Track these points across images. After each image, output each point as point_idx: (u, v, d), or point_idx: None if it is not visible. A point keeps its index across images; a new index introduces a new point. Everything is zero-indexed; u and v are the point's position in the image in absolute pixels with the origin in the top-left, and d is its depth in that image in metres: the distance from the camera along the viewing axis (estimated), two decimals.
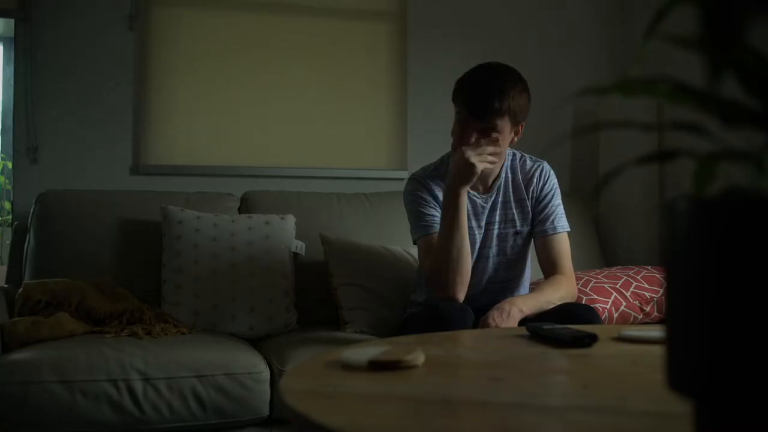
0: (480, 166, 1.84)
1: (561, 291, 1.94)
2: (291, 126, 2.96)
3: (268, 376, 1.95)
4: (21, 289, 2.15)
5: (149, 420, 1.79)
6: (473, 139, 1.86)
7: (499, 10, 3.20)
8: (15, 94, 2.70)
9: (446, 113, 3.09)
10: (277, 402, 1.91)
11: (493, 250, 2.00)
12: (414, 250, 2.35)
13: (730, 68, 0.51)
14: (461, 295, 1.87)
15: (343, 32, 3.04)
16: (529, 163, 2.06)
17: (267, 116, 2.94)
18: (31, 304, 2.09)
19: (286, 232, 2.50)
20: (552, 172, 2.07)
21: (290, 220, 2.54)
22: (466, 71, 1.96)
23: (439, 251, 1.87)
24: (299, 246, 2.52)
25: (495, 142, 1.88)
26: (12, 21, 2.71)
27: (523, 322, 1.44)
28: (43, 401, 1.75)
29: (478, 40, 3.17)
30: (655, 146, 2.86)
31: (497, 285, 2.04)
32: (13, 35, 2.72)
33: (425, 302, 2.07)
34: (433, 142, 2.99)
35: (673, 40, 0.54)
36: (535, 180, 2.03)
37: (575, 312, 1.82)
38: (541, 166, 2.05)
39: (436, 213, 1.97)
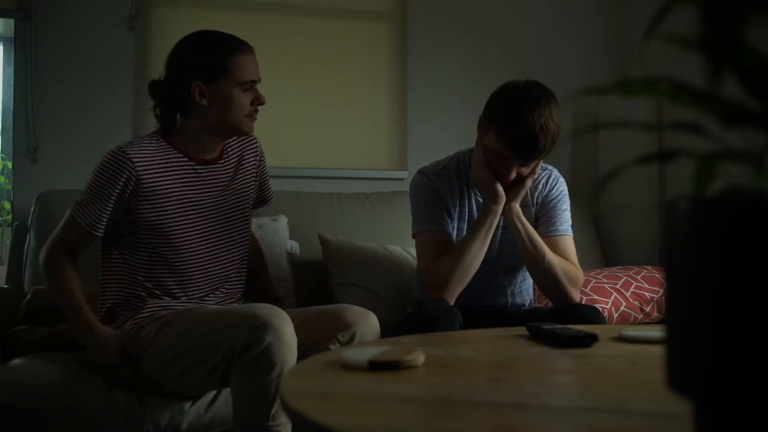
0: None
1: (563, 262, 1.93)
2: (290, 126, 2.96)
3: None
4: (28, 297, 2.15)
5: (149, 428, 1.76)
6: (513, 175, 1.87)
7: (499, 10, 3.21)
8: (15, 94, 2.70)
9: (446, 113, 3.11)
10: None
11: (495, 254, 2.00)
12: (413, 250, 2.35)
13: (730, 68, 0.51)
14: (452, 300, 1.87)
15: (343, 32, 3.04)
16: (538, 171, 2.05)
17: (267, 116, 2.90)
18: (35, 314, 2.09)
19: (279, 234, 2.48)
20: (561, 179, 2.06)
21: (282, 221, 2.53)
22: (499, 96, 1.86)
23: (454, 256, 1.87)
24: (293, 246, 2.52)
25: (533, 174, 1.91)
26: (12, 21, 2.71)
27: (523, 323, 1.44)
28: (40, 408, 1.73)
29: (478, 40, 3.17)
30: (655, 146, 2.87)
31: (497, 288, 2.04)
32: (13, 35, 2.72)
33: (420, 302, 2.06)
34: (433, 142, 2.99)
35: (673, 40, 0.54)
36: (540, 186, 2.02)
37: (577, 312, 1.82)
38: (549, 174, 2.04)
39: (440, 212, 1.96)
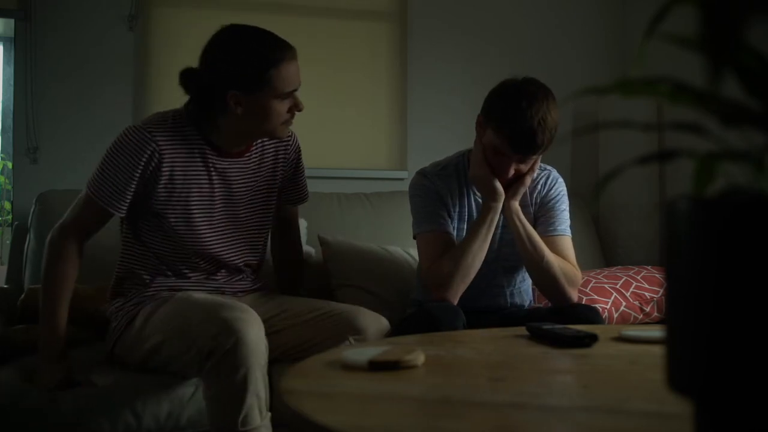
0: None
1: (562, 262, 1.92)
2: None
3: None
4: (23, 296, 2.14)
5: (148, 427, 1.76)
6: (512, 172, 1.86)
7: (499, 10, 3.21)
8: (15, 94, 2.70)
9: (446, 113, 3.11)
10: (277, 404, 1.89)
11: (494, 254, 1.99)
12: (413, 251, 2.35)
13: (730, 68, 0.51)
14: (456, 300, 1.87)
15: (343, 32, 3.04)
16: (537, 170, 2.04)
17: None
18: (31, 312, 2.09)
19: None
20: (560, 179, 2.05)
21: (301, 225, 2.51)
22: (497, 93, 1.86)
23: (455, 255, 1.87)
24: (308, 252, 2.51)
25: (532, 172, 1.91)
26: (12, 21, 2.71)
27: (522, 323, 1.44)
28: (39, 408, 1.73)
29: (478, 40, 3.17)
30: (655, 146, 2.87)
31: (496, 289, 2.03)
32: (13, 35, 2.72)
33: (420, 302, 2.06)
34: (433, 142, 2.99)
35: (673, 40, 0.54)
36: (539, 186, 2.02)
37: (576, 312, 1.82)
38: (548, 174, 2.04)
39: (440, 211, 1.96)
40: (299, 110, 1.78)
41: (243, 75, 1.70)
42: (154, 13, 2.85)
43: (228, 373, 1.53)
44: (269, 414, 1.60)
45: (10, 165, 2.86)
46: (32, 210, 2.44)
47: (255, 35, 1.75)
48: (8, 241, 2.63)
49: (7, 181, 3.04)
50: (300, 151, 2.01)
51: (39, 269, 2.32)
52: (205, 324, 1.58)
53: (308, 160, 3.06)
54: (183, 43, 2.84)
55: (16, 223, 2.58)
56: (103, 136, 2.75)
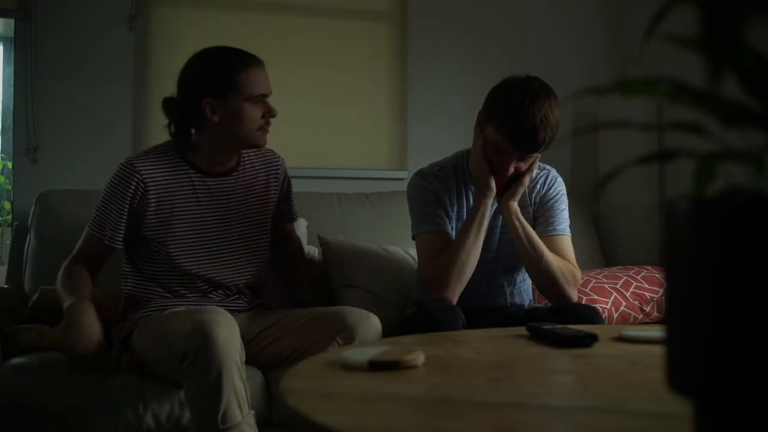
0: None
1: (561, 261, 1.92)
2: (290, 126, 2.95)
3: (260, 380, 1.88)
4: (36, 295, 2.14)
5: (148, 428, 1.76)
6: (512, 169, 1.87)
7: (499, 10, 3.21)
8: (15, 94, 2.70)
9: (446, 113, 3.11)
10: (275, 405, 1.89)
11: (493, 254, 1.99)
12: (412, 251, 2.35)
13: (730, 68, 0.51)
14: (455, 299, 1.87)
15: (343, 32, 3.04)
16: (535, 170, 2.04)
17: None
18: (42, 313, 2.08)
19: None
20: (559, 179, 2.05)
21: (301, 224, 2.51)
22: (499, 90, 1.87)
23: (449, 253, 1.87)
24: (310, 251, 2.51)
25: (531, 171, 1.91)
26: (12, 21, 2.71)
27: (522, 323, 1.44)
28: (40, 408, 1.73)
29: (478, 40, 3.17)
30: (655, 146, 2.86)
31: (495, 289, 2.03)
32: (13, 35, 2.72)
33: (420, 302, 2.06)
34: (433, 142, 2.99)
35: (673, 40, 0.54)
36: (539, 186, 2.02)
37: (575, 312, 1.81)
38: (547, 174, 2.04)
39: (438, 212, 1.96)
40: (273, 116, 1.86)
41: (213, 80, 1.80)
42: (154, 13, 2.84)
43: (202, 372, 1.55)
44: (252, 411, 1.61)
45: (10, 165, 2.86)
46: (32, 210, 2.44)
47: (222, 48, 1.86)
48: (8, 241, 2.63)
49: (7, 181, 3.04)
50: (288, 174, 2.08)
51: (39, 269, 2.34)
52: (178, 327, 1.63)
53: (308, 160, 3.07)
54: (183, 43, 2.84)
55: (16, 223, 2.58)
56: (103, 136, 2.77)
